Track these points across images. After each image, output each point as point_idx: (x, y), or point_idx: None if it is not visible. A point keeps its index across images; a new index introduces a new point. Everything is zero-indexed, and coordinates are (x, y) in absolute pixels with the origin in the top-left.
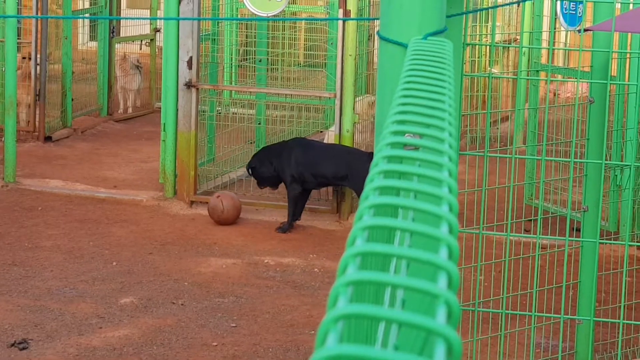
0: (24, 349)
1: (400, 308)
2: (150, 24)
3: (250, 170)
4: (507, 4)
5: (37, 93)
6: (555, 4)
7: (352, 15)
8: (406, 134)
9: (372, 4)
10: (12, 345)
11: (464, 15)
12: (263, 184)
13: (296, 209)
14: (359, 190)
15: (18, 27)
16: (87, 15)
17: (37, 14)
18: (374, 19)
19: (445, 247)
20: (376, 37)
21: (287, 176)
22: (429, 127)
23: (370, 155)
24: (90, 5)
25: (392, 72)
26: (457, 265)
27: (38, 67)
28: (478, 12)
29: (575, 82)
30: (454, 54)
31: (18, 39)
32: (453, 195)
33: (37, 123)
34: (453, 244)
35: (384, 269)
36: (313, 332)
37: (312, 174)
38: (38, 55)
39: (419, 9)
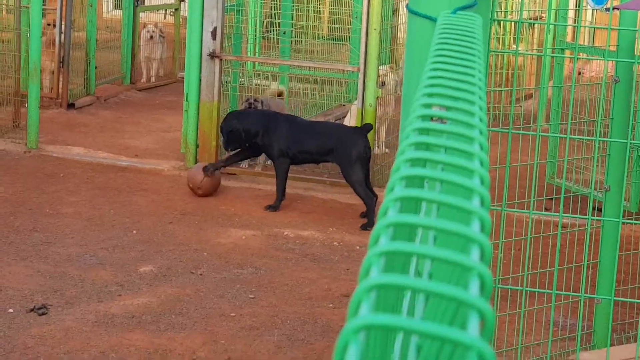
0: (43, 314)
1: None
2: None
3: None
4: None
5: (61, 60)
6: None
7: None
8: (433, 107)
9: None
10: (32, 310)
11: None
12: (230, 146)
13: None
14: (343, 164)
15: None
16: None
17: None
18: None
19: (478, 220)
20: (401, 11)
21: (274, 151)
22: (459, 101)
23: (359, 130)
24: None
25: (421, 46)
26: (489, 238)
27: (62, 34)
28: None
29: (600, 61)
30: (482, 29)
31: (43, 5)
32: (484, 168)
33: (60, 90)
34: (485, 217)
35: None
36: (331, 305)
37: (298, 150)
38: (63, 22)
39: None
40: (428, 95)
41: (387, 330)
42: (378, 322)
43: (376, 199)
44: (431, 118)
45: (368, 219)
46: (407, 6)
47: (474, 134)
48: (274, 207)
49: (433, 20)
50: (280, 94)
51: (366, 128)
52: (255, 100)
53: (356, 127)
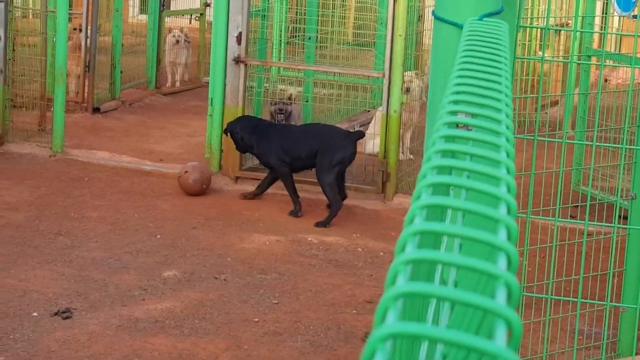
0: (67, 318)
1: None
2: None
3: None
4: None
5: (87, 64)
6: None
7: None
8: (459, 114)
9: None
10: (56, 314)
11: None
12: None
13: (294, 186)
14: (322, 164)
15: None
16: None
17: None
18: None
19: (504, 228)
20: (426, 17)
21: (272, 160)
22: (485, 108)
23: (349, 136)
24: None
25: (447, 53)
26: (515, 247)
27: (88, 39)
28: None
29: (627, 68)
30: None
31: (69, 10)
32: (511, 176)
33: (86, 94)
34: (512, 225)
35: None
36: (355, 311)
37: (291, 157)
38: (89, 27)
39: None
40: (454, 102)
41: (413, 339)
42: (405, 330)
43: (343, 200)
44: (457, 125)
45: (326, 219)
46: (433, 13)
47: (501, 142)
48: (294, 213)
49: (459, 26)
50: (289, 98)
51: (357, 135)
52: (284, 104)
53: (348, 131)
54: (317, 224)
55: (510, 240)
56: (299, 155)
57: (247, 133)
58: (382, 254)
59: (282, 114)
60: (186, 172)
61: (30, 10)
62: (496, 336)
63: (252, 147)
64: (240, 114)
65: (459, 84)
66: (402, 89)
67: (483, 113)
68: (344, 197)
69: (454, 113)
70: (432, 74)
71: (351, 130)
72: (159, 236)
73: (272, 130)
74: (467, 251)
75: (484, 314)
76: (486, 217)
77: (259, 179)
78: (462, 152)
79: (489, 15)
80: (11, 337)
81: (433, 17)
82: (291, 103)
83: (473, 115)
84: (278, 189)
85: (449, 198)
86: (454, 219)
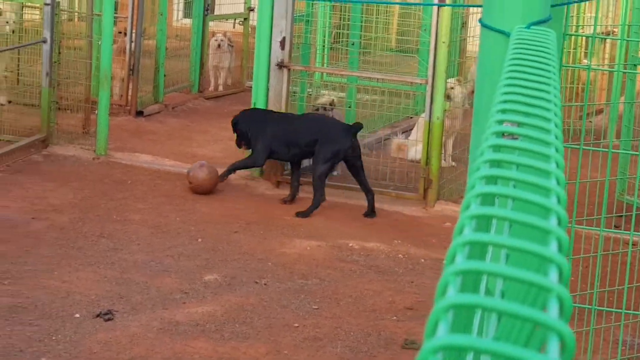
0: (109, 320)
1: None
2: (245, 2)
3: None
4: None
5: (131, 68)
6: None
7: (448, 2)
8: (504, 123)
9: None
10: (98, 315)
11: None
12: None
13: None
14: (319, 155)
15: (115, 2)
16: None
17: None
18: (470, 6)
19: (555, 240)
20: (470, 24)
21: (259, 146)
22: (534, 117)
23: (348, 129)
24: None
25: (493, 61)
26: (566, 258)
27: (133, 43)
28: (578, 3)
29: None
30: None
31: (115, 13)
32: (561, 187)
33: (129, 97)
34: (563, 236)
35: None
36: (395, 317)
37: (287, 143)
38: (133, 31)
39: None
40: (502, 111)
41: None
42: (457, 343)
43: (373, 195)
44: (502, 134)
45: (307, 209)
46: (480, 20)
47: (551, 152)
48: (222, 176)
49: (506, 34)
50: (331, 103)
51: (355, 127)
52: (325, 109)
53: (347, 125)
54: (297, 214)
55: (561, 252)
56: (296, 143)
57: (244, 122)
58: (422, 260)
59: None
60: (193, 173)
61: (76, 14)
62: (549, 350)
63: (247, 135)
64: None
65: (507, 93)
66: (444, 96)
67: (532, 122)
68: (369, 191)
69: (502, 122)
70: (478, 82)
71: (350, 124)
72: (200, 240)
73: (270, 117)
74: (513, 261)
75: (533, 326)
76: (537, 229)
77: (300, 184)
78: (510, 162)
79: (537, 23)
80: (53, 338)
81: (479, 25)
82: (332, 109)
83: (520, 125)
84: None
85: (498, 208)
86: (499, 228)
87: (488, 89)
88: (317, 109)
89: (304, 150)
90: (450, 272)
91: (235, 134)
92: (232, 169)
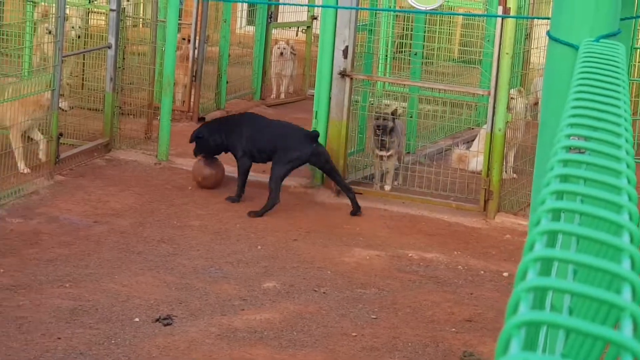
0: (167, 324)
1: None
2: (308, 11)
3: (196, 138)
4: None
5: (194, 74)
6: None
7: (512, 13)
8: (572, 137)
9: (532, 2)
10: (157, 320)
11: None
12: (200, 153)
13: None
14: (275, 163)
15: (180, 9)
16: None
17: None
18: (535, 18)
19: (628, 258)
20: (534, 36)
21: (238, 150)
22: (604, 132)
23: (308, 135)
24: None
25: (560, 73)
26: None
27: (196, 49)
28: None
29: None
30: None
31: (179, 20)
32: (633, 204)
33: (191, 103)
34: (636, 254)
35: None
36: (454, 329)
37: (257, 148)
38: (197, 37)
39: (593, 10)
40: (572, 125)
41: None
42: None
43: (354, 195)
44: (570, 148)
45: (260, 209)
46: (548, 33)
47: (622, 167)
48: (232, 199)
49: (574, 47)
50: (393, 113)
51: (314, 134)
52: (384, 119)
53: (307, 132)
54: (249, 213)
55: (634, 270)
56: (263, 148)
57: (214, 133)
58: (482, 272)
59: (383, 129)
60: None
61: (141, 20)
62: None
63: (223, 144)
64: (344, 128)
65: (576, 107)
66: (507, 107)
67: (602, 137)
68: (348, 190)
69: (570, 136)
70: (544, 94)
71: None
72: (260, 247)
73: (242, 121)
74: (582, 278)
75: (604, 343)
76: (609, 246)
77: (361, 193)
78: (580, 177)
79: (606, 36)
80: (113, 341)
81: (544, 36)
82: (394, 118)
83: (587, 139)
84: (379, 203)
85: (569, 225)
86: (565, 244)
87: (554, 101)
88: (378, 119)
89: (270, 155)
90: (522, 289)
91: (198, 146)
92: (240, 187)
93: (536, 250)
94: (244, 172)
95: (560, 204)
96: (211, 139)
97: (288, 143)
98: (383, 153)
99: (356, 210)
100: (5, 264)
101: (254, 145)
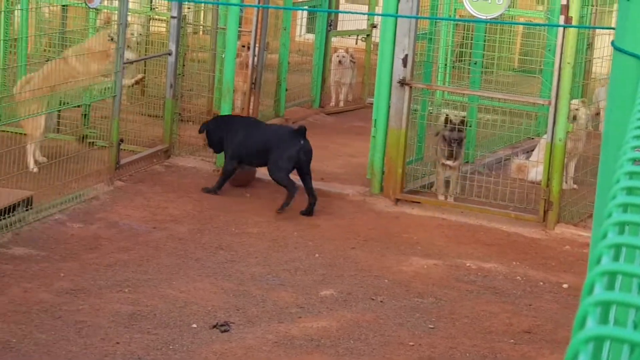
0: (225, 331)
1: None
2: (368, 19)
3: (203, 130)
4: None
5: (253, 81)
6: None
7: (574, 23)
8: (636, 149)
9: (594, 11)
10: (214, 326)
11: None
12: (209, 145)
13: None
14: (271, 167)
15: (240, 16)
16: (306, 7)
17: (259, 3)
18: (597, 28)
19: None
20: (596, 45)
21: (229, 151)
22: None
23: (293, 133)
24: None
25: (624, 84)
26: None
27: (256, 56)
28: None
29: None
30: None
31: (239, 27)
32: None
33: (250, 111)
34: None
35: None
36: (512, 340)
37: (246, 153)
38: (257, 45)
39: None
40: (637, 137)
41: None
42: None
43: (315, 201)
44: (635, 160)
45: (284, 203)
46: (612, 43)
47: None
48: (208, 189)
49: (639, 58)
50: (462, 122)
51: (301, 129)
52: (459, 130)
53: (292, 129)
54: (279, 210)
55: None
56: (252, 153)
57: (217, 128)
58: (541, 283)
59: (458, 142)
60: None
61: (202, 27)
62: None
63: (222, 140)
64: (403, 137)
65: None
66: (568, 118)
67: None
68: (313, 197)
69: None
70: (608, 105)
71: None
72: (317, 255)
73: (242, 123)
74: None
75: None
76: None
77: (419, 202)
78: None
79: None
80: (171, 347)
81: (607, 46)
82: (465, 128)
83: None
84: (437, 212)
85: (636, 237)
86: (629, 257)
87: (618, 112)
88: (452, 130)
89: (260, 159)
90: (589, 303)
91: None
92: (219, 184)
93: (603, 263)
94: (225, 173)
95: (627, 217)
96: (215, 133)
97: (278, 144)
98: (450, 163)
99: (307, 213)
100: (66, 269)
101: (245, 149)
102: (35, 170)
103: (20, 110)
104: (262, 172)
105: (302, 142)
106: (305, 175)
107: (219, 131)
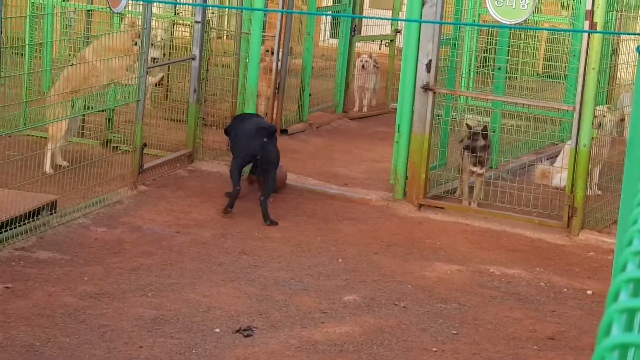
0: (248, 336)
1: None
2: (392, 24)
3: (226, 132)
4: None
5: (277, 86)
6: None
7: (598, 28)
8: None
9: (619, 17)
10: (237, 331)
11: None
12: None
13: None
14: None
15: (264, 21)
16: (330, 12)
17: (282, 8)
18: (623, 33)
19: None
20: (621, 51)
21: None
22: None
23: (258, 130)
24: (334, 3)
25: None
26: None
27: (279, 61)
28: None
29: None
30: None
31: (263, 32)
32: None
33: (274, 115)
34: None
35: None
36: (536, 347)
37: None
38: (280, 50)
39: None
40: None
41: None
42: None
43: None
44: None
45: (227, 204)
46: (637, 48)
47: None
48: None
49: None
50: (485, 129)
51: (268, 129)
52: (485, 137)
53: (261, 127)
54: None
55: None
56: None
57: (231, 129)
58: (565, 290)
59: (483, 149)
60: None
61: (225, 32)
62: None
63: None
64: (427, 142)
65: None
66: (593, 123)
67: None
68: (264, 196)
69: None
70: (634, 111)
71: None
72: (340, 260)
73: (246, 122)
74: None
75: None
76: None
77: (442, 207)
78: None
79: None
80: (194, 351)
81: (634, 52)
82: (488, 134)
83: None
84: (460, 217)
85: None
86: None
87: None
88: (478, 139)
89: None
90: (615, 310)
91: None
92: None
93: (629, 270)
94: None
95: None
96: (230, 134)
97: (243, 137)
98: (477, 169)
99: (263, 219)
100: (90, 273)
101: (236, 146)
102: (51, 172)
103: (47, 113)
104: (290, 178)
105: (264, 139)
106: (265, 172)
107: (230, 131)
